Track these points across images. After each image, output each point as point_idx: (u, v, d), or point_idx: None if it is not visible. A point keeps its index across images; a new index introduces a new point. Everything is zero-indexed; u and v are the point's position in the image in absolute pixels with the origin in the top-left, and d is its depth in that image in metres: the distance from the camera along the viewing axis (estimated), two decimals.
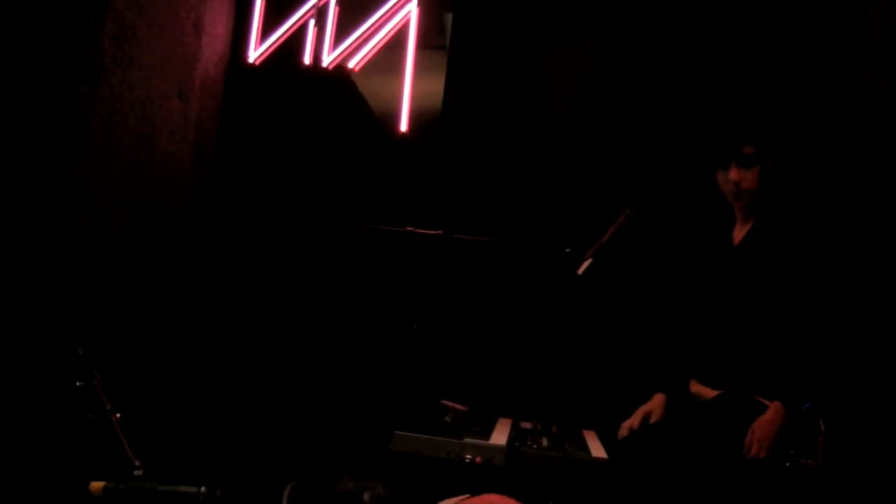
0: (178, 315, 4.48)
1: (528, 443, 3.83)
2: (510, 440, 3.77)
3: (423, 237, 4.55)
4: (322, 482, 1.96)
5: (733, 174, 3.75)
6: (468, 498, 2.18)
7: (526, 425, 4.17)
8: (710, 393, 3.78)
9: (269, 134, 5.21)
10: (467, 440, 3.68)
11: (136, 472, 2.90)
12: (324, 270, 4.97)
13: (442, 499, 2.20)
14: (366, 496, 1.91)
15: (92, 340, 3.08)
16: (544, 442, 3.88)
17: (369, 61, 5.21)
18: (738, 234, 3.86)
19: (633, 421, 3.91)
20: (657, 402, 3.94)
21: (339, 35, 5.22)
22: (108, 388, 3.01)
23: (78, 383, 2.99)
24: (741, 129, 3.75)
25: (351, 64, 5.18)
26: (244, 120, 5.24)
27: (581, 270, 3.78)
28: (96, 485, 2.83)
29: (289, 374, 4.78)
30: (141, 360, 4.16)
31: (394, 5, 5.17)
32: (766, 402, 3.58)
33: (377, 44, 5.18)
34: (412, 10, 5.17)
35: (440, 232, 4.52)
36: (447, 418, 4.08)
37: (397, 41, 5.17)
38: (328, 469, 1.99)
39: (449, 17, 5.21)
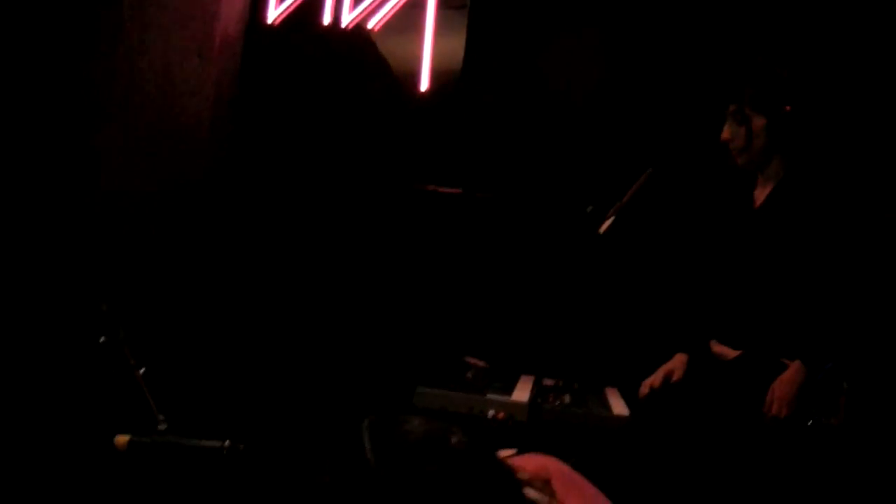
0: (199, 272, 4.48)
1: (551, 399, 3.85)
2: (532, 397, 3.79)
3: (443, 196, 4.54)
4: (398, 421, 1.95)
5: (724, 132, 3.74)
6: (515, 454, 2.18)
7: (548, 382, 4.18)
8: (731, 353, 3.77)
9: (288, 94, 5.20)
10: (490, 396, 3.70)
11: (160, 427, 2.92)
12: (343, 229, 4.96)
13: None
14: (453, 439, 1.91)
15: (116, 298, 3.09)
16: (566, 398, 3.89)
17: (389, 21, 5.18)
18: (760, 195, 3.84)
19: (655, 379, 3.91)
20: (679, 361, 3.93)
21: None
22: (131, 344, 3.03)
23: (102, 339, 3.00)
24: (733, 87, 3.73)
25: (370, 24, 5.15)
26: (263, 80, 5.23)
27: (603, 229, 3.77)
28: (121, 439, 2.85)
29: (312, 331, 4.78)
30: (164, 316, 4.17)
31: None
32: (787, 362, 3.57)
33: (397, 3, 5.15)
34: None
35: (460, 191, 4.51)
36: (470, 375, 4.09)
37: (417, 1, 5.14)
38: (355, 423, 1.98)
39: None
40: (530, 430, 3.60)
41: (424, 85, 5.08)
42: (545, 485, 2.06)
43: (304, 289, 4.87)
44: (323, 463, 2.03)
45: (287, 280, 4.85)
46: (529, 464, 2.11)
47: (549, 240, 4.70)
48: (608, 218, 3.73)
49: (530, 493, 2.02)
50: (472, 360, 4.37)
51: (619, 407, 3.92)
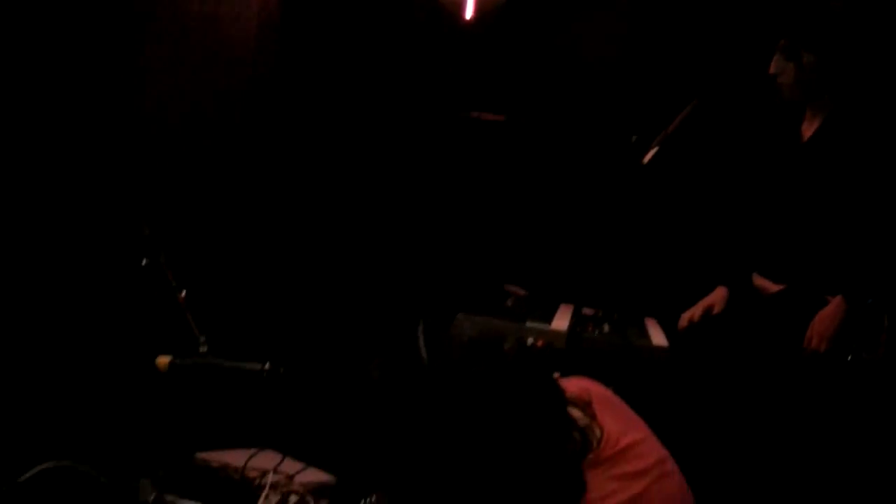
0: (240, 195, 4.49)
1: (590, 329, 3.86)
2: (571, 325, 3.80)
3: (486, 123, 4.52)
4: (453, 323, 1.99)
5: (771, 65, 3.69)
6: (560, 377, 2.21)
7: (587, 311, 4.19)
8: (772, 287, 3.76)
9: (333, 20, 5.16)
10: (529, 324, 3.71)
11: (201, 349, 2.96)
12: (385, 155, 4.95)
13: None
14: (506, 345, 1.94)
15: (158, 221, 3.12)
16: (605, 328, 3.90)
17: None
18: (807, 129, 3.79)
19: (695, 312, 3.91)
20: (719, 294, 3.92)
21: None
22: (173, 267, 3.06)
23: (144, 262, 3.04)
24: (785, 20, 3.67)
25: None
26: (308, 5, 5.19)
27: (647, 159, 3.75)
28: (162, 360, 2.89)
29: (354, 255, 4.79)
30: (206, 239, 4.19)
31: None
32: (829, 297, 3.56)
33: None
34: None
35: (503, 118, 4.48)
36: (509, 302, 4.10)
37: None
38: (398, 348, 2.01)
39: None
40: (569, 359, 3.61)
41: (469, 13, 5.04)
42: (586, 405, 2.09)
43: (348, 212, 4.88)
44: (362, 384, 2.05)
45: (330, 203, 4.85)
46: (571, 385, 2.13)
47: (591, 168, 4.68)
48: (652, 148, 3.71)
49: (573, 411, 2.05)
50: (513, 289, 4.38)
51: (658, 338, 3.92)
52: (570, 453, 1.95)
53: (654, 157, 3.73)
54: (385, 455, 2.11)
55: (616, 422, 2.07)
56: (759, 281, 3.81)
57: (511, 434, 1.86)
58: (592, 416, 2.06)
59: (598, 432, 2.01)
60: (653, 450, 2.08)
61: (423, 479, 2.02)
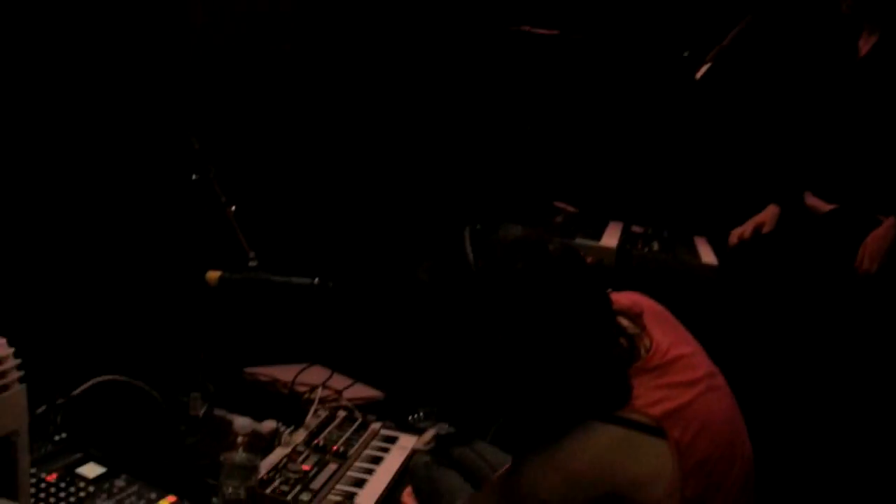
0: (288, 109, 4.47)
1: (639, 246, 3.84)
2: (621, 242, 3.78)
3: (538, 37, 4.46)
4: (499, 227, 1.99)
5: None
6: (609, 292, 2.20)
7: (637, 229, 4.17)
8: (825, 206, 3.71)
9: None
10: (579, 241, 3.70)
11: (250, 263, 2.97)
12: (437, 68, 4.90)
13: None
14: (551, 246, 1.94)
15: (207, 135, 3.11)
16: (655, 245, 3.88)
17: None
18: (864, 45, 3.71)
19: (745, 230, 3.88)
20: (770, 213, 3.89)
21: None
22: (222, 181, 3.06)
23: (194, 176, 3.04)
24: None
25: None
26: None
27: (700, 75, 3.70)
28: (212, 274, 2.91)
29: (401, 169, 4.76)
30: (255, 153, 4.19)
31: None
32: (882, 217, 3.51)
33: None
34: None
35: (556, 32, 4.42)
36: (559, 219, 4.09)
37: None
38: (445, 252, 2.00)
39: None
40: (618, 276, 3.61)
41: None
42: (636, 316, 2.08)
43: (398, 123, 4.83)
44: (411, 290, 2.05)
45: (380, 114, 4.81)
46: (622, 298, 2.13)
47: (644, 84, 4.62)
48: (705, 63, 3.66)
49: (622, 320, 2.04)
50: (562, 205, 4.36)
51: (707, 256, 3.89)
52: (617, 357, 1.95)
53: (706, 72, 3.68)
54: (432, 366, 2.11)
55: (665, 334, 2.07)
56: (812, 200, 3.77)
57: (556, 335, 1.86)
58: (642, 327, 2.06)
59: (647, 342, 2.01)
60: (702, 363, 2.08)
61: (467, 385, 2.03)
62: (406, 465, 3.14)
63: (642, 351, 1.99)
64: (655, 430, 1.87)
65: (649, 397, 1.90)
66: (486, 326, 1.86)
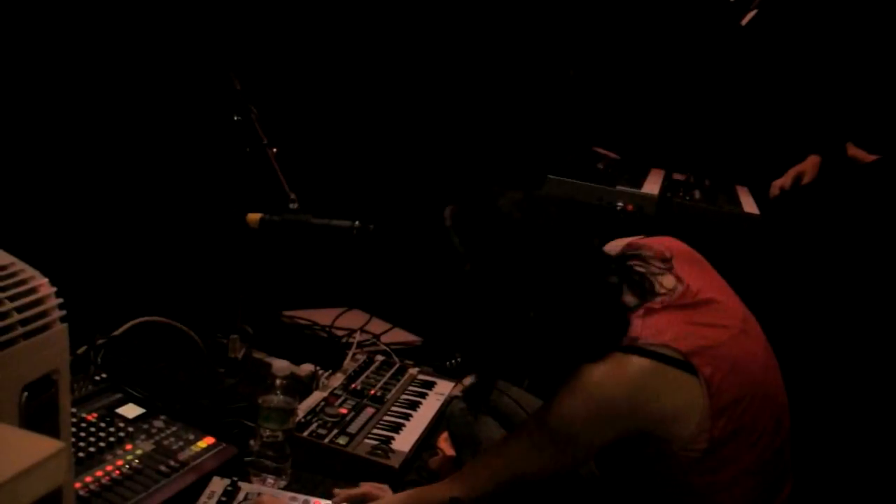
0: (333, 50, 4.44)
1: (680, 194, 3.80)
2: (662, 190, 3.75)
3: None
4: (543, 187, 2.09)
5: None
6: (643, 238, 2.20)
7: (678, 177, 4.13)
8: (867, 157, 3.66)
9: None
10: (619, 188, 3.67)
11: (291, 205, 2.96)
12: (477, 14, 4.83)
13: None
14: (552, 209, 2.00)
15: (249, 76, 3.10)
16: (696, 194, 3.85)
17: None
18: None
19: (785, 180, 3.83)
20: (811, 162, 3.83)
21: None
22: (264, 123, 3.05)
23: (236, 118, 3.03)
24: None
25: None
26: None
27: (745, 21, 3.65)
28: (253, 216, 2.91)
29: (441, 112, 4.72)
30: (296, 95, 4.17)
31: None
32: None
33: None
34: None
35: None
36: (601, 165, 4.06)
37: None
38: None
39: None
40: (658, 224, 3.58)
41: None
42: (665, 259, 2.07)
43: (439, 67, 4.78)
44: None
45: (420, 60, 4.75)
46: (654, 242, 2.12)
47: (688, 29, 4.55)
48: (751, 10, 3.60)
49: (653, 267, 2.04)
50: (603, 151, 4.33)
51: (749, 205, 3.86)
52: (609, 292, 1.97)
53: (752, 19, 3.63)
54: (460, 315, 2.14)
55: (698, 277, 2.06)
56: (854, 150, 3.72)
57: (552, 273, 1.91)
58: (669, 269, 2.05)
59: (669, 281, 2.00)
60: (736, 309, 2.07)
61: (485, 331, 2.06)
62: (443, 411, 3.15)
63: (660, 289, 1.99)
64: (684, 364, 1.87)
65: (677, 332, 1.90)
66: (502, 269, 1.90)
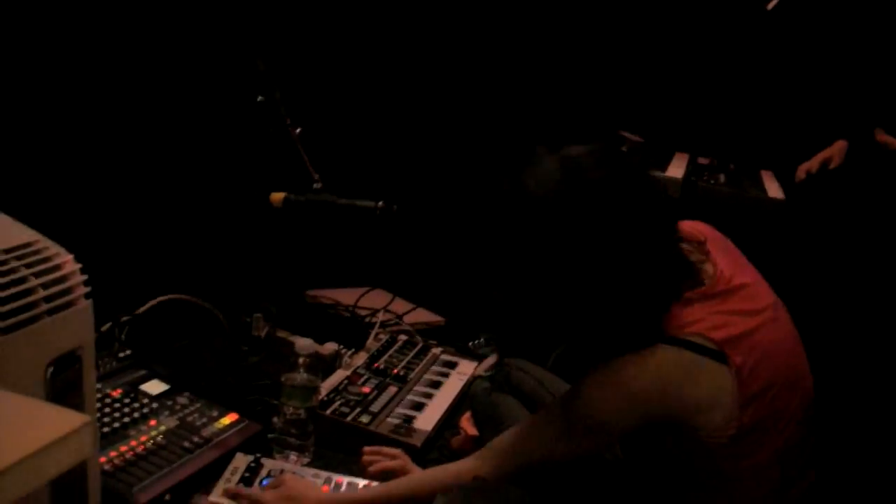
0: (359, 29, 4.42)
1: (705, 177, 3.79)
2: (687, 173, 3.74)
3: None
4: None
5: None
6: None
7: (703, 160, 4.12)
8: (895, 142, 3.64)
9: None
10: None
11: (315, 185, 2.97)
12: None
13: None
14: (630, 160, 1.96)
15: (273, 57, 3.10)
16: (721, 178, 3.83)
17: None
18: None
19: (812, 164, 3.81)
20: (838, 147, 3.81)
21: None
22: (288, 104, 3.05)
23: (259, 98, 3.04)
24: None
25: None
26: None
27: (771, 5, 3.63)
28: (276, 196, 2.92)
29: (464, 90, 4.70)
30: (321, 75, 4.16)
31: None
32: None
33: None
34: None
35: None
36: (624, 148, 4.05)
37: None
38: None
39: None
40: (683, 207, 3.57)
41: None
42: (700, 244, 2.06)
43: (462, 44, 4.75)
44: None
45: (445, 35, 4.72)
46: (685, 226, 2.11)
47: (713, 13, 4.52)
48: None
49: (685, 246, 2.03)
50: (628, 135, 4.31)
51: (774, 190, 3.84)
52: (676, 278, 1.94)
53: (778, 3, 3.61)
54: (493, 290, 2.12)
55: (729, 263, 2.05)
56: (883, 136, 3.70)
57: (623, 247, 1.86)
58: (706, 254, 2.04)
59: (710, 269, 1.99)
60: (765, 294, 2.06)
61: (532, 305, 2.04)
62: (466, 391, 3.16)
63: (705, 277, 1.98)
64: (717, 353, 1.87)
65: (712, 322, 1.89)
66: (563, 238, 1.85)
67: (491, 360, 3.22)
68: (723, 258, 2.06)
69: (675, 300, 1.93)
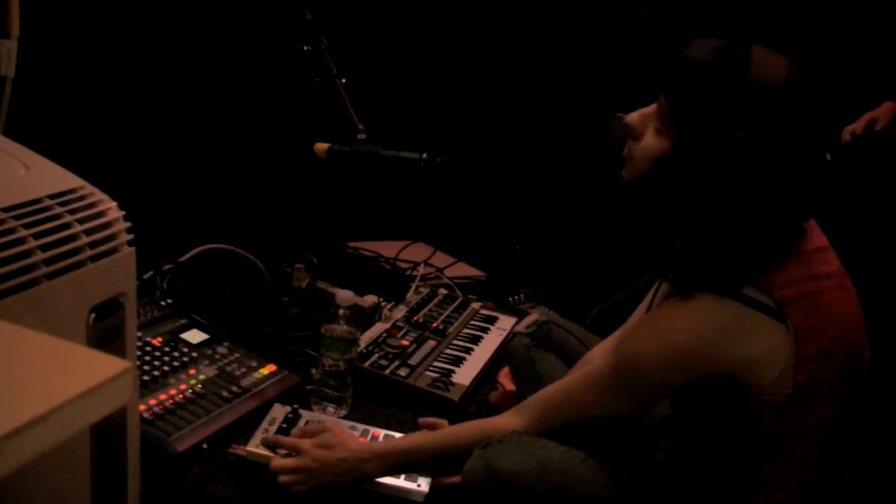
0: None
1: None
2: None
3: None
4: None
5: None
6: None
7: None
8: None
9: None
10: None
11: (359, 136, 2.95)
12: None
13: None
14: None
15: (320, 6, 3.08)
16: None
17: None
18: None
19: (858, 125, 3.75)
20: (885, 109, 3.75)
21: None
22: (334, 53, 3.03)
23: (306, 48, 3.02)
24: None
25: None
26: None
27: None
28: (321, 146, 2.90)
29: (510, 43, 4.64)
30: (368, 26, 4.12)
31: None
32: None
33: None
34: None
35: None
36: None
37: None
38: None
39: None
40: None
41: None
42: None
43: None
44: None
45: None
46: None
47: None
48: None
49: None
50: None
51: None
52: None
53: None
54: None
55: (808, 223, 2.00)
56: None
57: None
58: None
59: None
60: (835, 259, 2.01)
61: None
62: (504, 346, 3.15)
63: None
64: (776, 312, 1.82)
65: (780, 279, 1.84)
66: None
67: (532, 316, 3.21)
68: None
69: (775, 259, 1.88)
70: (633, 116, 1.98)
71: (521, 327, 2.94)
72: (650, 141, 1.93)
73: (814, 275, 1.88)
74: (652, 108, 1.94)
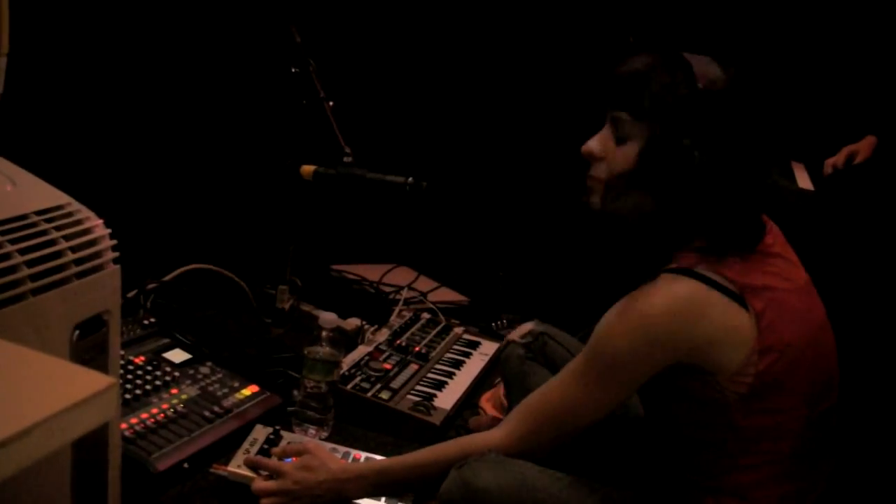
0: (392, 6, 4.40)
1: None
2: None
3: None
4: None
5: None
6: None
7: None
8: None
9: None
10: None
11: (345, 159, 2.96)
12: None
13: None
14: None
15: (308, 28, 3.10)
16: None
17: None
18: None
19: (838, 158, 3.79)
20: (866, 143, 3.78)
21: None
22: (322, 76, 3.05)
23: (294, 70, 3.03)
24: None
25: None
26: None
27: None
28: (307, 168, 2.91)
29: (500, 62, 4.65)
30: (355, 49, 4.14)
31: None
32: None
33: None
34: None
35: None
36: None
37: None
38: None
39: None
40: None
41: None
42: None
43: (490, 23, 4.70)
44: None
45: (473, 13, 4.68)
46: None
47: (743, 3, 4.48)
48: None
49: None
50: None
51: (804, 181, 3.82)
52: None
53: None
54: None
55: (772, 234, 2.03)
56: None
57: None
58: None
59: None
60: (801, 274, 2.04)
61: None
62: (486, 371, 3.16)
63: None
64: (737, 296, 1.84)
65: (741, 270, 1.87)
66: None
67: (528, 326, 3.20)
68: (770, 229, 2.04)
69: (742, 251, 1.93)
70: (591, 143, 2.03)
71: (515, 336, 2.94)
72: (616, 157, 1.99)
73: (775, 273, 1.92)
74: (606, 128, 2.01)
